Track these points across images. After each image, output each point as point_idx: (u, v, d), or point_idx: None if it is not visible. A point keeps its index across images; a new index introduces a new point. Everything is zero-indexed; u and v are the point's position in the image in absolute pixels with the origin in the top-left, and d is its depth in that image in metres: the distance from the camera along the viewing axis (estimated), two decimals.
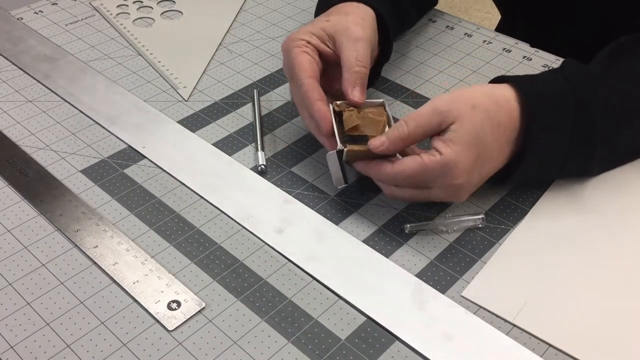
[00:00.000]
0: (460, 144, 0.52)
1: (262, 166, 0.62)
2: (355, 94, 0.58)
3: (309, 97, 0.58)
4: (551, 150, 0.56)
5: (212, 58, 0.78)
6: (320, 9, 0.71)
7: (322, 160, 0.63)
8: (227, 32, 0.83)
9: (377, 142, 0.54)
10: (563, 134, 0.56)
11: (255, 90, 0.71)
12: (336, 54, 0.61)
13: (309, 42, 0.61)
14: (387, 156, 0.55)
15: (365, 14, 0.64)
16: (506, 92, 0.55)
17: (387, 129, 0.57)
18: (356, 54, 0.59)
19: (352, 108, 0.58)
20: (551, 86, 0.56)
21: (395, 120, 0.57)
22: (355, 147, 0.55)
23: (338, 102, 0.59)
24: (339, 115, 0.58)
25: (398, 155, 0.55)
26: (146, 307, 0.50)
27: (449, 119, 0.53)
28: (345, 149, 0.55)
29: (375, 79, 0.70)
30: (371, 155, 0.55)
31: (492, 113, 0.54)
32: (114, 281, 0.52)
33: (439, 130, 0.53)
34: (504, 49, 0.79)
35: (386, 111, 0.59)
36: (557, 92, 0.56)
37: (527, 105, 0.55)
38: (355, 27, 0.61)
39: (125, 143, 0.65)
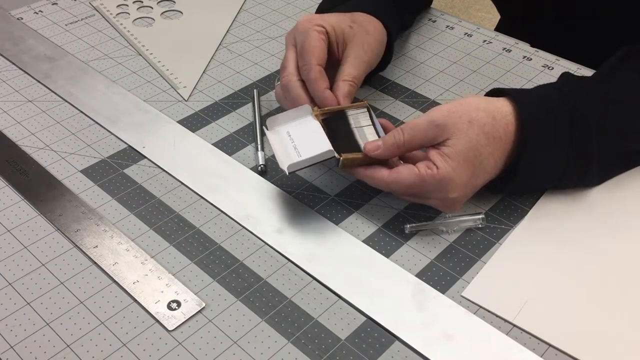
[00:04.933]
0: (456, 160, 0.53)
1: (262, 166, 0.62)
2: (343, 101, 0.61)
3: (317, 84, 0.60)
4: (546, 166, 0.57)
5: (212, 58, 0.78)
6: (328, 6, 0.73)
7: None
8: (227, 32, 0.83)
9: (373, 147, 0.55)
10: (558, 150, 0.56)
11: (255, 90, 0.71)
12: (337, 56, 0.64)
13: (327, 32, 0.63)
14: (380, 162, 0.56)
15: (381, 35, 0.67)
16: (503, 107, 0.56)
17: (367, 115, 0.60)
18: (355, 72, 0.62)
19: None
20: (547, 102, 0.57)
21: (393, 122, 0.57)
22: (351, 155, 0.56)
23: (316, 108, 0.60)
24: (324, 121, 0.59)
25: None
26: (146, 307, 0.50)
27: (445, 133, 0.53)
28: (342, 158, 0.55)
29: (370, 79, 0.73)
30: (365, 162, 0.56)
31: (488, 127, 0.54)
32: (114, 281, 0.52)
33: (435, 142, 0.54)
34: (504, 49, 0.79)
35: (369, 112, 0.60)
36: (552, 109, 0.56)
37: (522, 121, 0.55)
38: (366, 51, 0.64)
39: (125, 143, 0.65)
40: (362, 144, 0.57)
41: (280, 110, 0.70)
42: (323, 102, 0.59)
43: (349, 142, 0.57)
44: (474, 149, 0.53)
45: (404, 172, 0.54)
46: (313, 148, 0.56)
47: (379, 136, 0.58)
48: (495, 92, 0.59)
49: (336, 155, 0.55)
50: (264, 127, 0.59)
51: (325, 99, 0.59)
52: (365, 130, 0.58)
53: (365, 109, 0.60)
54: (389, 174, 0.54)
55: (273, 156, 0.64)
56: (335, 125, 0.59)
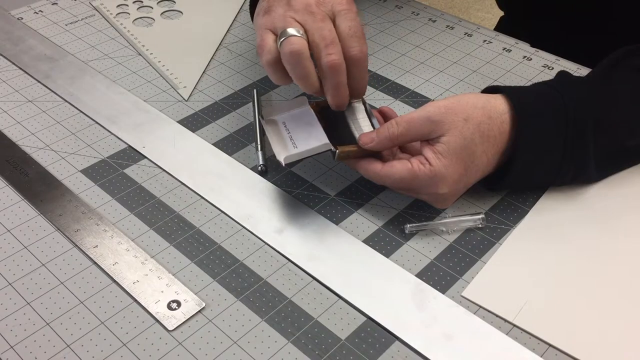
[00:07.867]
0: (449, 158, 0.53)
1: (262, 166, 0.62)
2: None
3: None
4: (540, 164, 0.57)
5: (212, 58, 0.78)
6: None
7: (322, 160, 0.63)
8: (227, 32, 0.83)
9: (367, 139, 0.55)
10: (553, 149, 0.56)
11: (255, 90, 0.71)
12: None
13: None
14: (375, 154, 0.56)
15: None
16: (499, 106, 0.56)
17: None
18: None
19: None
20: (543, 101, 0.56)
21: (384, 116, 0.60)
22: (347, 148, 0.56)
23: (316, 102, 0.60)
24: (320, 114, 0.59)
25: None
26: (146, 307, 0.50)
27: (440, 130, 0.53)
28: (337, 151, 0.55)
29: None
30: (361, 154, 0.56)
31: (483, 126, 0.54)
32: (114, 281, 0.52)
33: (429, 138, 0.54)
34: (504, 48, 0.79)
35: (364, 104, 0.60)
36: (548, 108, 0.56)
37: (518, 120, 0.55)
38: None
39: (125, 143, 0.65)
40: (357, 136, 0.57)
41: None
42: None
43: (345, 134, 0.57)
44: (468, 148, 0.53)
45: (397, 166, 0.54)
46: (309, 140, 0.56)
47: (374, 128, 0.58)
48: (491, 90, 0.59)
49: (332, 148, 0.56)
50: (259, 117, 0.59)
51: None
52: (360, 122, 0.58)
53: (361, 101, 0.60)
54: (382, 167, 0.55)
55: (273, 156, 0.64)
56: (331, 117, 0.59)
